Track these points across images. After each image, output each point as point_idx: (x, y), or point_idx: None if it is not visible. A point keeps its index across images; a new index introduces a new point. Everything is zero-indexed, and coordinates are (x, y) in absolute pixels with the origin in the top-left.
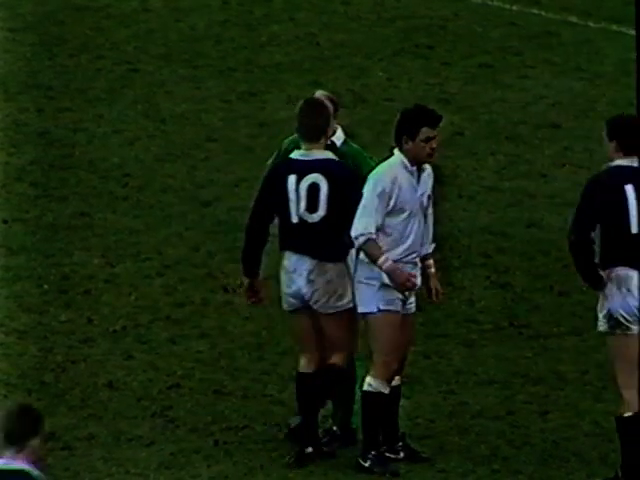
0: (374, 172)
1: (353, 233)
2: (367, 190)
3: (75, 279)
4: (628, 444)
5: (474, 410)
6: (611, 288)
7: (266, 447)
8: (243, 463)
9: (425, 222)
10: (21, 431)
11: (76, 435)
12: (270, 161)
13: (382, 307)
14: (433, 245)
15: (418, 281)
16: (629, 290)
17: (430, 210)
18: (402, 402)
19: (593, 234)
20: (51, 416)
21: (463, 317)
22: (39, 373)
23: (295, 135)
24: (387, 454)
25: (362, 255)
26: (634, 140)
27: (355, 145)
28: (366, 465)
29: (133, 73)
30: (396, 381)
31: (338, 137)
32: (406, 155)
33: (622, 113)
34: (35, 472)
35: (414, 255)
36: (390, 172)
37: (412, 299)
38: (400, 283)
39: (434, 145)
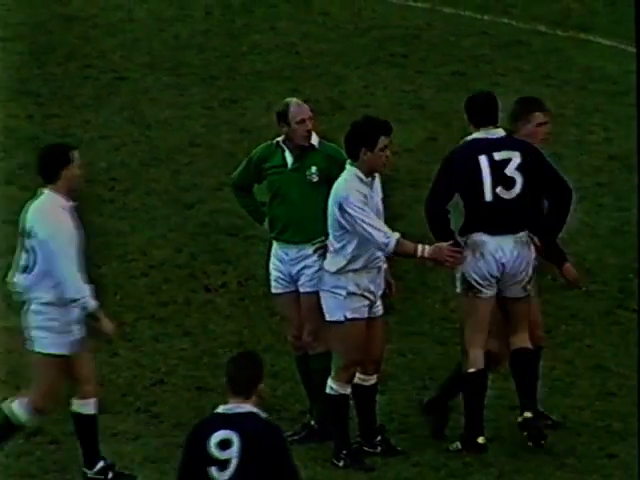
0: (339, 193)
1: (378, 246)
2: (351, 210)
3: None
4: (471, 399)
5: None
6: (466, 253)
7: None
8: None
9: None
10: (249, 379)
11: (63, 430)
12: (239, 170)
13: (349, 316)
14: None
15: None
16: (482, 255)
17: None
18: (378, 398)
19: (450, 204)
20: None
21: (437, 316)
22: (27, 370)
23: (267, 143)
24: (365, 448)
25: (327, 265)
26: (481, 114)
27: (332, 144)
28: (340, 465)
29: (119, 81)
30: (373, 379)
31: (314, 139)
32: (361, 167)
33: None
34: (262, 414)
35: (378, 261)
36: (353, 187)
37: (378, 302)
38: (445, 260)
39: (388, 153)
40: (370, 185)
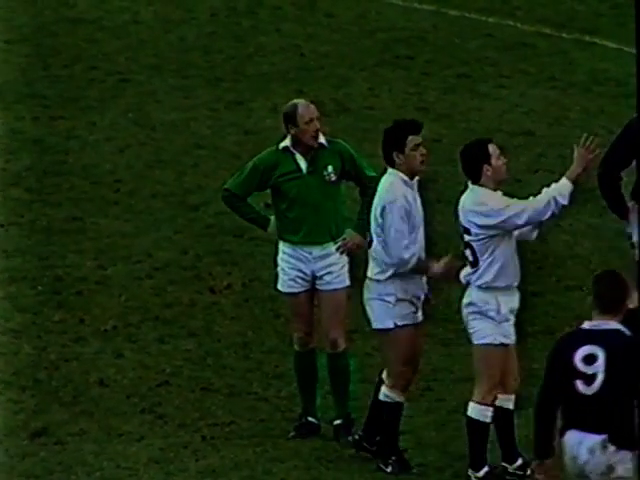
0: (384, 197)
1: (399, 258)
2: (391, 216)
3: (68, 281)
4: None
5: (450, 406)
6: (635, 217)
7: (252, 442)
8: (229, 458)
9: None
10: (618, 298)
11: (68, 431)
12: (240, 179)
13: (399, 323)
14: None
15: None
16: None
17: None
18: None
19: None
20: (44, 412)
21: (440, 317)
22: (33, 371)
23: (271, 149)
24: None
25: (370, 273)
26: None
27: (338, 140)
28: (388, 470)
29: (124, 83)
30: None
31: (321, 138)
32: (401, 170)
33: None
34: (627, 332)
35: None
36: (399, 191)
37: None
38: (449, 275)
39: (424, 151)
40: (414, 188)
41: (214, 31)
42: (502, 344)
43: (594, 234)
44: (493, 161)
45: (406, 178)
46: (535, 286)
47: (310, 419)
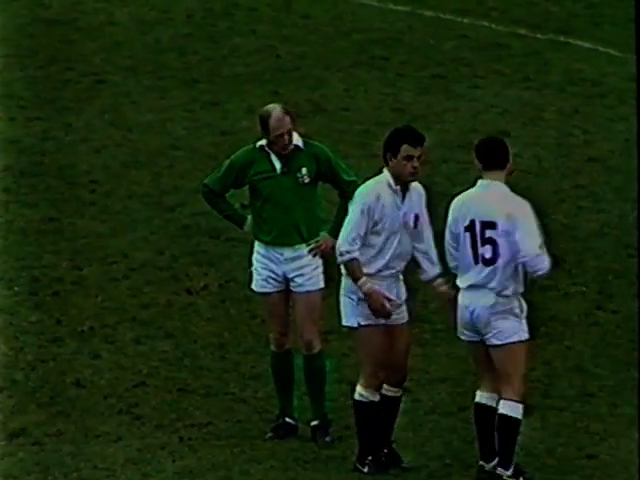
0: (360, 189)
1: (338, 248)
2: (353, 207)
3: (44, 281)
4: None
5: (427, 407)
6: None
7: (229, 443)
8: (207, 458)
9: (419, 241)
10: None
11: (46, 431)
12: (217, 176)
13: (362, 322)
14: (438, 266)
15: (394, 306)
16: None
17: (425, 230)
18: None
19: None
20: (21, 413)
21: (417, 318)
22: (10, 371)
23: (248, 147)
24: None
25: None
26: None
27: (316, 143)
28: (365, 470)
29: (100, 84)
30: (394, 392)
31: (297, 140)
32: (391, 173)
33: None
34: None
35: (393, 271)
36: (375, 189)
37: (402, 309)
38: (374, 308)
39: (415, 164)
40: (399, 194)
41: (190, 32)
42: (527, 340)
43: (569, 234)
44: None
45: (392, 181)
46: None
47: (287, 420)
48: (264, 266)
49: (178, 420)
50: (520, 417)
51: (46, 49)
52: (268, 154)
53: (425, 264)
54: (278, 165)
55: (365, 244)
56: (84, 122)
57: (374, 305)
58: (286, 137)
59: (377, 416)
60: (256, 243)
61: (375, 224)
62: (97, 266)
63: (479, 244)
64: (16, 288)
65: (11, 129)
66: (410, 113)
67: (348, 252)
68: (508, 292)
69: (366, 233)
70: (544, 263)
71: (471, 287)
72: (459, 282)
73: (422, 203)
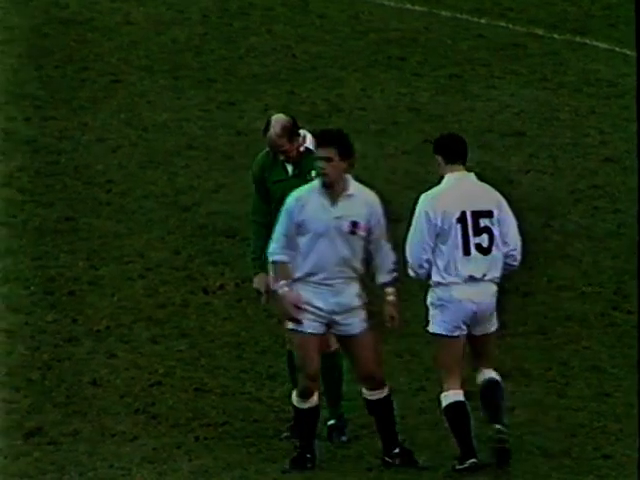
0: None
1: (268, 250)
2: (283, 211)
3: (61, 281)
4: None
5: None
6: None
7: (244, 442)
8: (222, 458)
9: (365, 249)
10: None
11: (62, 431)
12: (253, 201)
13: (290, 326)
14: (392, 274)
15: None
16: None
17: (375, 238)
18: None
19: None
20: (38, 412)
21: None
22: (26, 371)
23: (263, 152)
24: (386, 459)
25: None
26: None
27: None
28: (285, 466)
29: (116, 84)
30: (376, 394)
31: (308, 142)
32: None
33: None
34: None
35: (321, 276)
36: (300, 191)
37: (350, 320)
38: (281, 312)
39: (321, 164)
40: (326, 196)
41: (206, 32)
42: None
43: (585, 234)
44: None
45: (319, 184)
46: (526, 286)
47: None
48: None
49: (194, 419)
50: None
51: (62, 49)
52: (281, 160)
53: (375, 271)
54: (290, 168)
55: (292, 247)
56: (100, 122)
57: (280, 309)
58: (286, 148)
59: (309, 422)
60: None
61: (299, 225)
62: (113, 266)
63: (471, 234)
64: (32, 288)
65: (27, 129)
66: (426, 113)
67: (272, 252)
68: (499, 279)
69: (291, 235)
70: (519, 260)
71: (471, 280)
72: (444, 277)
73: (369, 212)
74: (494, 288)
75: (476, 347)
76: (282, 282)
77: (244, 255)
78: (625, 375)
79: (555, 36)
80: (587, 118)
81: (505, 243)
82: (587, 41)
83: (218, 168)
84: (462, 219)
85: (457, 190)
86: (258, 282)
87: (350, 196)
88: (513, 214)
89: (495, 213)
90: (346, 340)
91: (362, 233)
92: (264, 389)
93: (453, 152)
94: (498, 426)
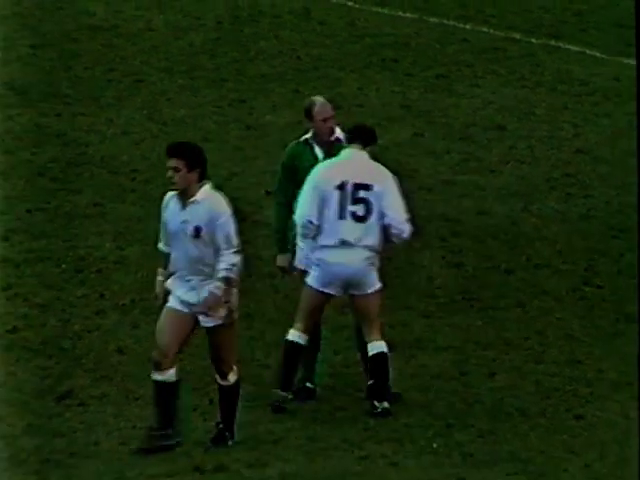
0: None
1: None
2: None
3: (89, 260)
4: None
5: (432, 372)
6: None
7: (255, 404)
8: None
9: (215, 251)
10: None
11: (90, 394)
12: (278, 184)
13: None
14: (223, 277)
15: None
16: None
17: (208, 243)
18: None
19: None
20: (68, 378)
21: (423, 292)
22: (58, 341)
23: (294, 142)
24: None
25: None
26: None
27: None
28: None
29: (139, 83)
30: (222, 382)
31: (338, 132)
32: None
33: None
34: None
35: (181, 273)
36: (170, 192)
37: (208, 319)
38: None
39: (169, 174)
40: (178, 201)
41: (219, 37)
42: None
43: (560, 218)
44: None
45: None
46: (507, 264)
47: (308, 385)
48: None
49: (209, 384)
50: (388, 352)
51: (90, 52)
52: (312, 146)
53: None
54: (321, 156)
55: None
56: (124, 117)
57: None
58: (330, 122)
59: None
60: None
61: (164, 224)
62: (137, 246)
63: (349, 202)
64: (64, 266)
65: (58, 124)
66: (417, 109)
67: (160, 243)
68: (376, 247)
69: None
70: (406, 231)
71: (343, 244)
72: (323, 239)
73: (208, 218)
74: (367, 254)
75: (356, 307)
76: (159, 270)
77: (254, 236)
78: (595, 343)
79: (532, 40)
80: (561, 113)
81: (385, 215)
82: (561, 44)
83: (230, 158)
84: (341, 187)
85: (344, 163)
86: (281, 260)
87: (196, 202)
88: (401, 194)
89: (375, 188)
90: (206, 330)
91: (205, 237)
92: (272, 356)
93: (353, 135)
94: (377, 404)
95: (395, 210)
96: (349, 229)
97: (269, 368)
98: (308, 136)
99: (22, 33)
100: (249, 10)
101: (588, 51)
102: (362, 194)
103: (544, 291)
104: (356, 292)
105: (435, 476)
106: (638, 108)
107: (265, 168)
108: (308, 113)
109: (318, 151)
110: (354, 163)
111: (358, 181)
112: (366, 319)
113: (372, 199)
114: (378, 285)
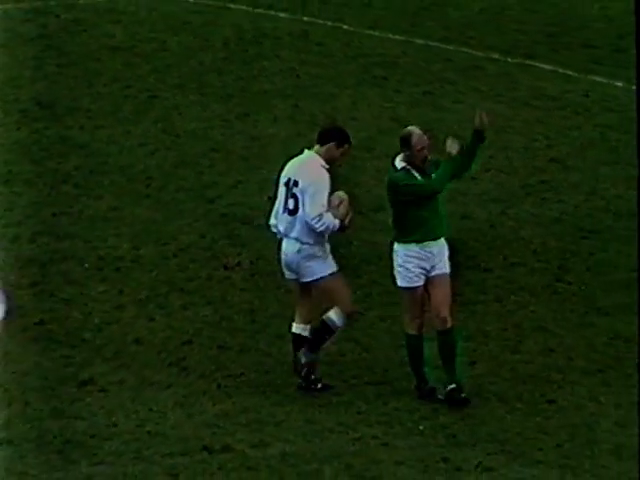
0: None
1: None
2: None
3: (109, 259)
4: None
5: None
6: None
7: (258, 390)
8: (240, 403)
9: None
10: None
11: (110, 380)
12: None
13: None
14: None
15: None
16: None
17: None
18: (363, 355)
19: None
20: (90, 366)
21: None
22: (81, 332)
23: (401, 173)
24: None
25: None
26: None
27: (437, 158)
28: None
29: (153, 99)
30: None
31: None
32: None
33: None
34: None
35: None
36: None
37: None
38: None
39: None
40: None
41: (226, 56)
42: (333, 273)
43: (535, 221)
44: None
45: None
46: (486, 263)
47: (430, 385)
48: (415, 264)
49: (217, 371)
50: (338, 324)
51: (110, 71)
52: (409, 171)
53: None
54: (419, 177)
55: None
56: (141, 130)
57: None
58: (426, 151)
59: None
60: (402, 245)
61: None
62: (152, 247)
63: (289, 197)
64: (86, 265)
65: (81, 136)
66: (405, 123)
67: None
68: (310, 240)
69: None
70: (320, 227)
71: (285, 236)
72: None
73: None
74: (297, 245)
75: (300, 292)
76: None
77: (258, 238)
78: (566, 334)
79: (508, 59)
80: (535, 126)
81: (304, 211)
82: (535, 63)
83: (236, 167)
84: (287, 183)
85: (295, 162)
86: None
87: None
88: (319, 193)
89: (300, 184)
90: None
91: None
92: (274, 346)
93: (318, 135)
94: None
95: (308, 207)
96: (284, 221)
97: (271, 357)
98: (403, 163)
99: (48, 53)
100: (253, 32)
101: (560, 70)
102: (294, 190)
103: (520, 287)
104: (299, 279)
105: (422, 455)
106: (638, 114)
107: (268, 176)
108: (406, 142)
109: (415, 174)
110: (300, 162)
111: (295, 178)
112: (324, 303)
113: (298, 194)
114: (317, 275)
